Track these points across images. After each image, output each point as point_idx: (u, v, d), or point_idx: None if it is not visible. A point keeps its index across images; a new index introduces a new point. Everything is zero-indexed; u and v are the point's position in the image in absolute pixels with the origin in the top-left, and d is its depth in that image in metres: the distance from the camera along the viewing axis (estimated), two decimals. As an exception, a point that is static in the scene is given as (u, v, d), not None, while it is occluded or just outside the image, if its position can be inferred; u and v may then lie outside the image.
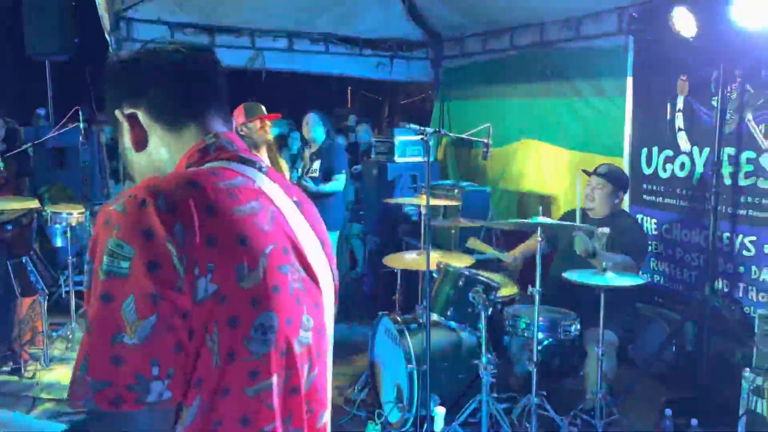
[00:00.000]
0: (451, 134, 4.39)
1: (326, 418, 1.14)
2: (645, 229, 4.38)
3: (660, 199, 4.42)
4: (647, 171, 4.50)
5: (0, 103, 6.87)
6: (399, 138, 5.71)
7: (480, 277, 3.47)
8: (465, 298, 3.43)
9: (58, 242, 4.64)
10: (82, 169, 5.01)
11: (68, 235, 4.57)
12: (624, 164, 4.56)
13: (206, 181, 0.98)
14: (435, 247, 4.02)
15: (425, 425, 3.27)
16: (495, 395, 3.34)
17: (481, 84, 6.31)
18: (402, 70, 6.91)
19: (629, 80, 4.59)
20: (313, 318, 1.08)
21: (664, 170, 4.37)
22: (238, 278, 0.94)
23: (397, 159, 5.73)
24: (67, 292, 4.71)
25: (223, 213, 0.95)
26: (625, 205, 4.29)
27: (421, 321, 3.54)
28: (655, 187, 4.45)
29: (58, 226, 4.59)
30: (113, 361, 0.86)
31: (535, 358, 3.13)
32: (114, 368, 0.86)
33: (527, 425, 3.19)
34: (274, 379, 0.98)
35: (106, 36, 5.59)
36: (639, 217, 4.43)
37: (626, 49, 4.56)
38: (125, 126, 1.10)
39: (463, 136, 3.74)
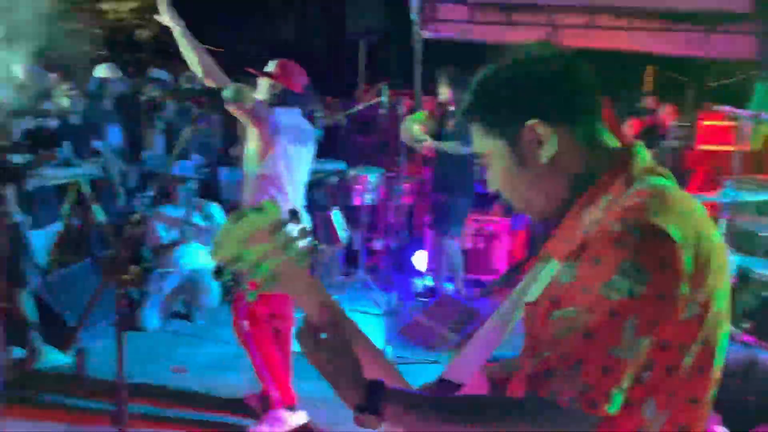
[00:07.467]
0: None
1: None
2: None
3: None
4: None
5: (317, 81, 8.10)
6: None
7: None
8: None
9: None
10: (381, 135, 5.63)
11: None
12: None
13: (687, 208, 0.97)
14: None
15: None
16: None
17: None
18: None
19: None
20: None
21: None
22: (716, 300, 0.96)
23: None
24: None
25: (708, 239, 0.96)
26: None
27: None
28: None
29: (359, 187, 5.11)
30: (604, 370, 0.91)
31: None
32: (602, 376, 0.90)
33: None
34: (716, 385, 1.03)
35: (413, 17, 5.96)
36: None
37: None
38: (530, 143, 1.04)
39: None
